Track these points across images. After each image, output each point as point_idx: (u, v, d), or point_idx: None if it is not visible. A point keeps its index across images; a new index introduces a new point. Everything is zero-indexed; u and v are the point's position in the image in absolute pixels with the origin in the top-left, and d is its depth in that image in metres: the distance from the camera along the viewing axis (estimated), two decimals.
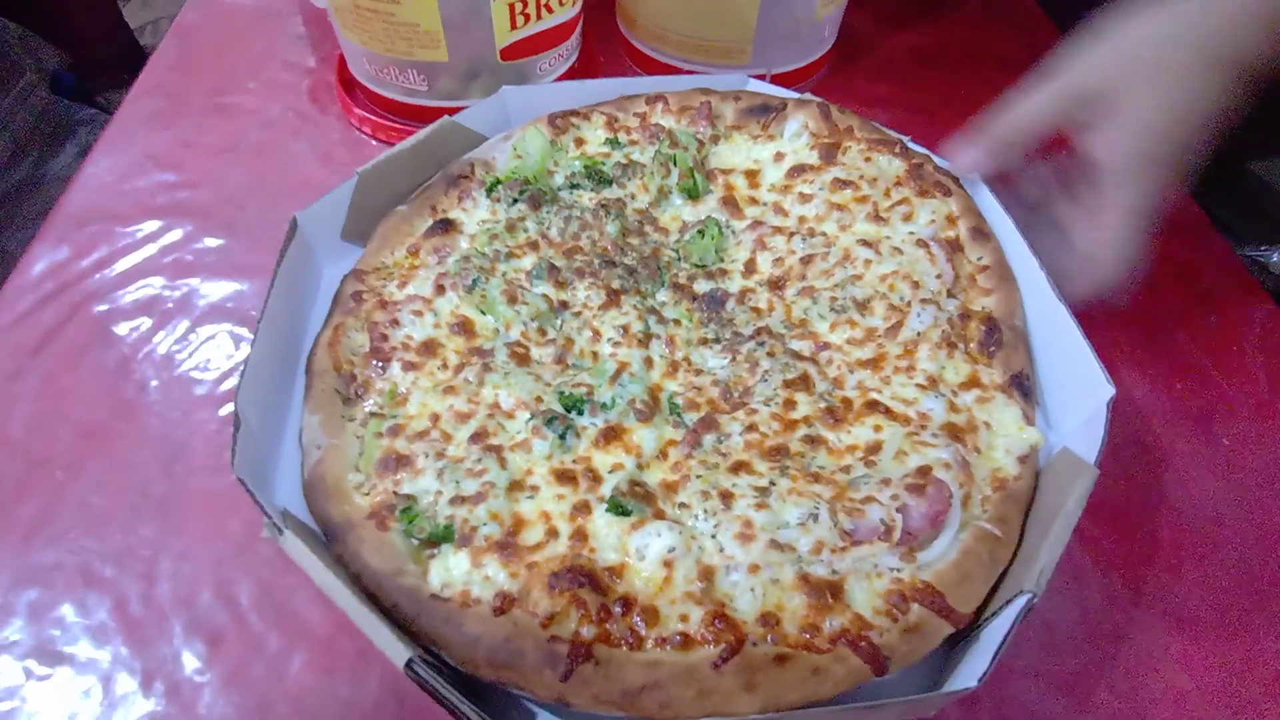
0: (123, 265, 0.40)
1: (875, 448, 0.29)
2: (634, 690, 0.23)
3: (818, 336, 0.33)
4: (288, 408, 0.30)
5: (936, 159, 0.38)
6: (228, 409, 0.34)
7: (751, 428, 0.29)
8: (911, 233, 0.35)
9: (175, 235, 0.42)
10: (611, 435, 0.29)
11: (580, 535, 0.26)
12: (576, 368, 0.31)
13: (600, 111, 0.40)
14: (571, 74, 0.49)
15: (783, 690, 0.23)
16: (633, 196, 0.38)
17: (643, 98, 0.40)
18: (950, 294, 0.33)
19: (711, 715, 0.23)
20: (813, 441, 0.29)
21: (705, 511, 0.26)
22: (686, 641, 0.24)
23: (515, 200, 0.36)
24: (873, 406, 0.30)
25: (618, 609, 0.24)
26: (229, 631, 0.28)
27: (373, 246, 0.35)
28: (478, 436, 0.28)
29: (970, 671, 0.23)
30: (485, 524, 0.26)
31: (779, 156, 0.39)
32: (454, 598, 0.25)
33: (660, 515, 0.26)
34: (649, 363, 0.32)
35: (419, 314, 0.32)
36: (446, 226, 0.35)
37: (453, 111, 0.46)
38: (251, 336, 0.37)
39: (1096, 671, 0.29)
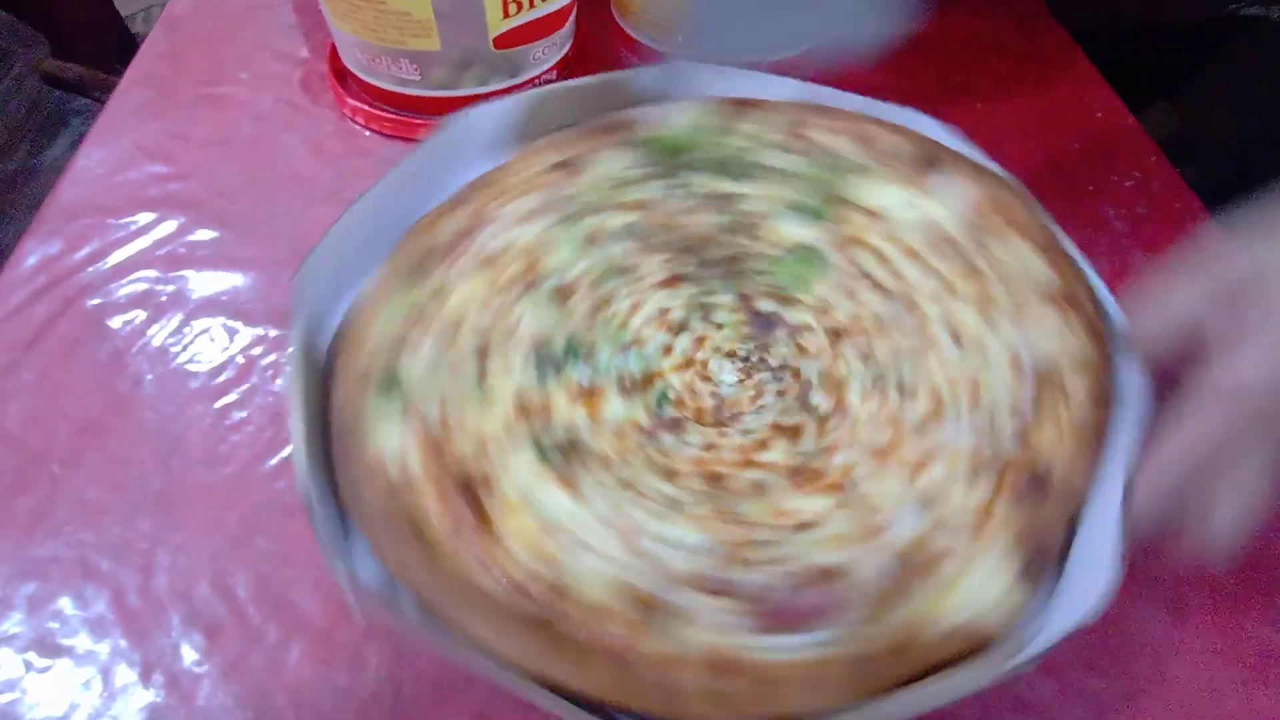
0: (115, 259, 0.40)
1: (809, 525, 0.26)
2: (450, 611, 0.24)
3: (843, 399, 0.30)
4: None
5: (1104, 298, 0.32)
6: (223, 402, 0.34)
7: (710, 446, 0.28)
8: (1013, 341, 0.29)
9: (168, 228, 0.41)
10: (587, 395, 0.29)
11: (503, 464, 0.27)
12: (601, 324, 0.31)
13: (776, 110, 0.37)
14: (565, 62, 0.48)
15: (581, 679, 0.23)
16: (749, 197, 0.35)
17: (810, 108, 0.38)
18: (1016, 419, 0.28)
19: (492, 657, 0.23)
20: (759, 488, 0.27)
21: (607, 489, 0.26)
22: (517, 590, 0.24)
23: (653, 163, 0.35)
24: (838, 488, 0.27)
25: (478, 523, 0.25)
26: (227, 623, 0.28)
27: (514, 160, 0.35)
28: (480, 352, 0.29)
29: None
30: (429, 411, 0.27)
31: (923, 215, 0.34)
32: (376, 459, 0.26)
33: (571, 484, 0.27)
34: (667, 350, 0.31)
35: (504, 229, 0.32)
36: (570, 167, 0.35)
37: (447, 101, 0.46)
38: (247, 330, 0.37)
39: (1083, 656, 0.29)
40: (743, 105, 0.38)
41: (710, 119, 0.37)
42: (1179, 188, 0.45)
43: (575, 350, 0.30)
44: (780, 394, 0.31)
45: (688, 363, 0.31)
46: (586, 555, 0.25)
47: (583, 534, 0.26)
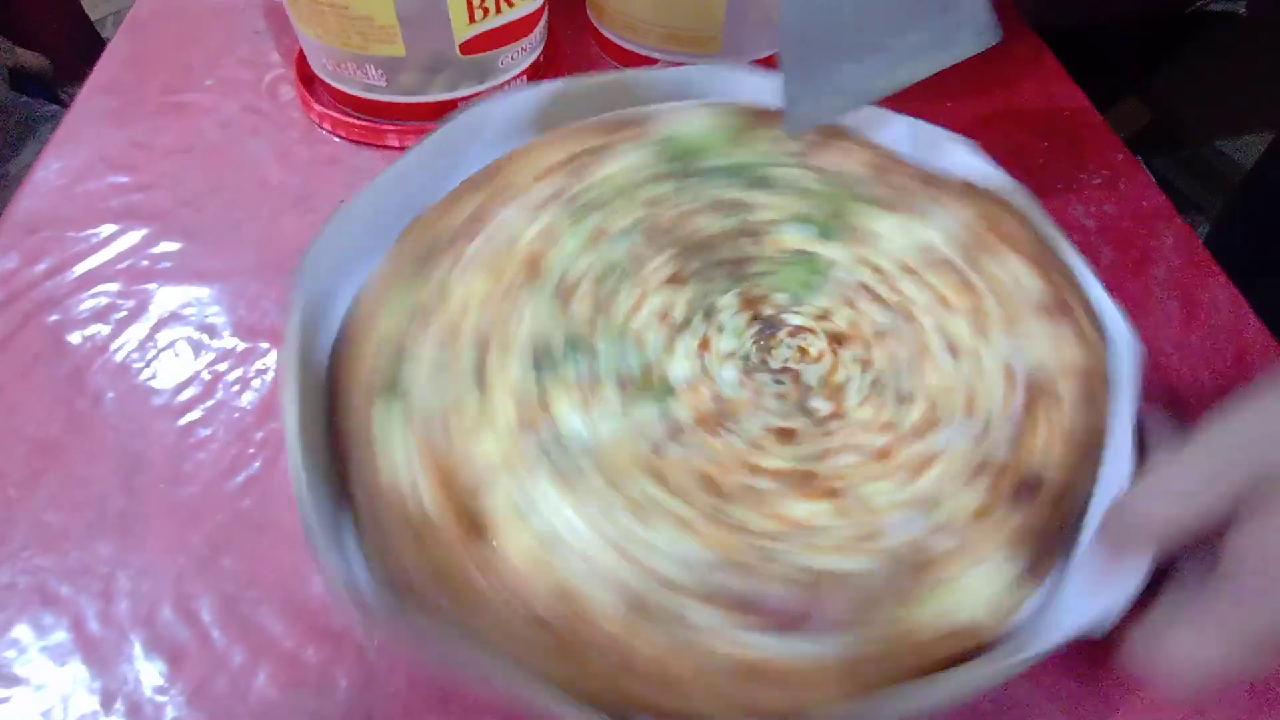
0: (76, 272, 0.39)
1: (804, 529, 0.26)
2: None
3: (840, 405, 0.30)
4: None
5: (1096, 296, 0.32)
6: (187, 419, 0.34)
7: (709, 450, 0.28)
8: (1006, 351, 0.30)
9: (131, 240, 0.40)
10: (587, 395, 0.28)
11: (508, 477, 0.26)
12: (602, 323, 0.31)
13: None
14: (536, 67, 0.48)
15: (584, 682, 0.24)
16: (758, 206, 0.35)
17: (830, 128, 0.38)
18: (1009, 424, 0.28)
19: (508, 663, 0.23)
20: (752, 493, 0.27)
21: (603, 504, 0.26)
22: (519, 600, 0.24)
23: (665, 163, 0.35)
24: (835, 494, 0.27)
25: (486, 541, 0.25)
26: (191, 648, 0.28)
27: (527, 148, 0.35)
28: (480, 347, 0.28)
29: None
30: (432, 427, 0.26)
31: (920, 239, 0.35)
32: (390, 486, 0.26)
33: (570, 490, 0.27)
34: (668, 348, 0.31)
35: (510, 223, 0.32)
36: (585, 161, 0.34)
37: (416, 107, 0.45)
38: (212, 344, 0.37)
39: (1060, 659, 0.29)
40: (763, 115, 0.37)
41: (728, 124, 0.37)
42: (1147, 185, 0.46)
43: (575, 350, 0.29)
44: (780, 396, 0.30)
45: (689, 362, 0.31)
46: (586, 562, 0.25)
47: (581, 543, 0.25)
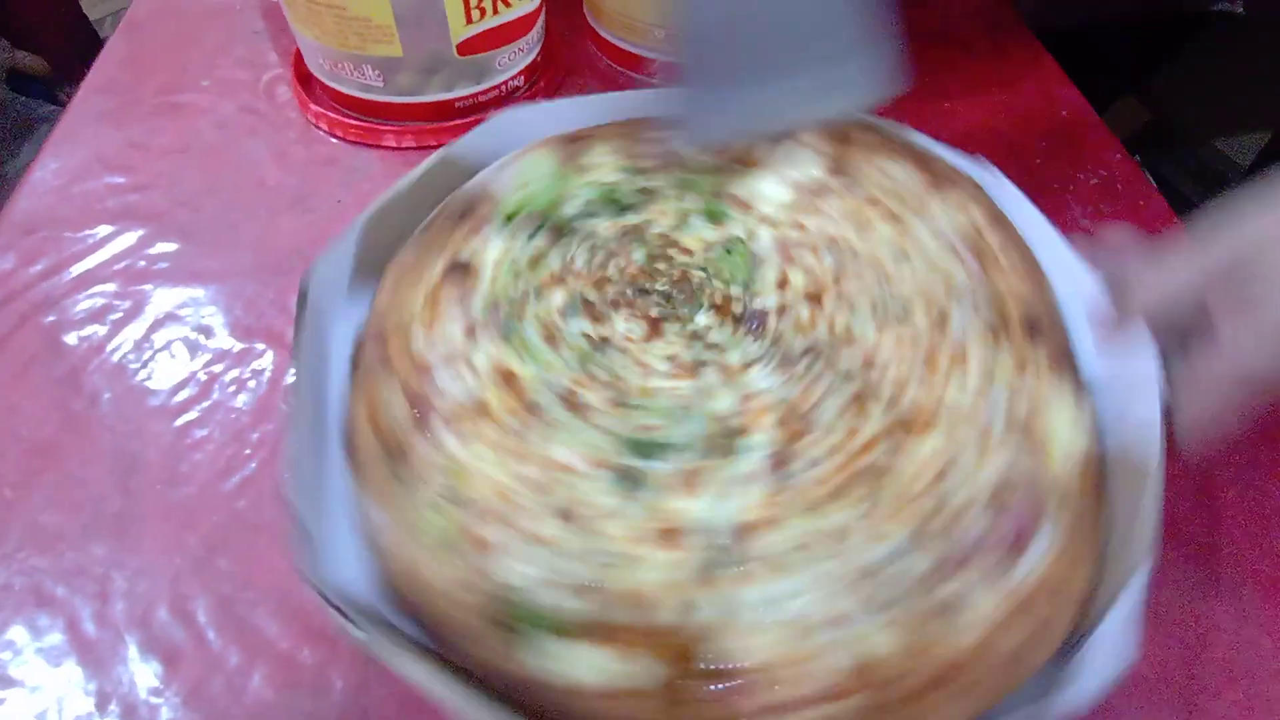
0: (72, 273, 0.39)
1: (951, 456, 0.28)
2: None
3: (867, 345, 0.31)
4: (322, 481, 0.28)
5: (944, 152, 0.37)
6: (183, 420, 0.34)
7: (832, 451, 0.28)
8: (934, 233, 0.34)
9: (127, 240, 0.40)
10: (692, 478, 0.27)
11: (716, 605, 0.25)
12: (635, 408, 0.29)
13: (607, 137, 0.37)
14: (533, 68, 0.48)
15: (950, 711, 0.24)
16: (651, 221, 0.36)
17: (651, 122, 0.38)
18: (983, 287, 0.33)
19: None
20: (891, 457, 0.28)
21: (822, 555, 0.26)
22: (844, 692, 0.24)
23: (534, 233, 0.33)
24: (936, 414, 0.29)
25: (765, 679, 0.24)
26: (186, 649, 0.28)
27: (384, 299, 0.32)
28: (562, 511, 0.26)
29: (1117, 650, 0.24)
30: (615, 609, 0.24)
31: (786, 180, 0.37)
32: (616, 691, 0.24)
33: (765, 560, 0.26)
34: (707, 393, 0.30)
35: (457, 373, 0.29)
36: (465, 268, 0.32)
37: (413, 107, 0.45)
38: (209, 344, 0.37)
39: None
40: (575, 141, 0.37)
41: (549, 167, 0.36)
42: (1144, 185, 0.46)
43: (651, 454, 0.28)
44: (821, 374, 0.31)
45: (728, 392, 0.30)
46: (854, 623, 0.25)
47: (823, 611, 0.25)
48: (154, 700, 0.27)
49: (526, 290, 0.32)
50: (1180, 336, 0.30)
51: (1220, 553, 0.32)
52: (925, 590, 0.26)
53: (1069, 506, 0.27)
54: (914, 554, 0.26)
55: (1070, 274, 0.33)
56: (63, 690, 0.27)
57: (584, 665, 0.24)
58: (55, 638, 0.28)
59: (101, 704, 0.26)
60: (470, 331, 0.30)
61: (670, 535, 0.26)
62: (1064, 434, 0.29)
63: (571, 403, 0.29)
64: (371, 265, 0.34)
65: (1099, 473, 0.29)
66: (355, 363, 0.31)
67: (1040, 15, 0.57)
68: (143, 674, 0.27)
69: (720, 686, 0.25)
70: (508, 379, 0.30)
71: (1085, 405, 0.30)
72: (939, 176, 0.36)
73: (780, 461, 0.28)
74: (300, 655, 0.28)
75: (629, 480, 0.27)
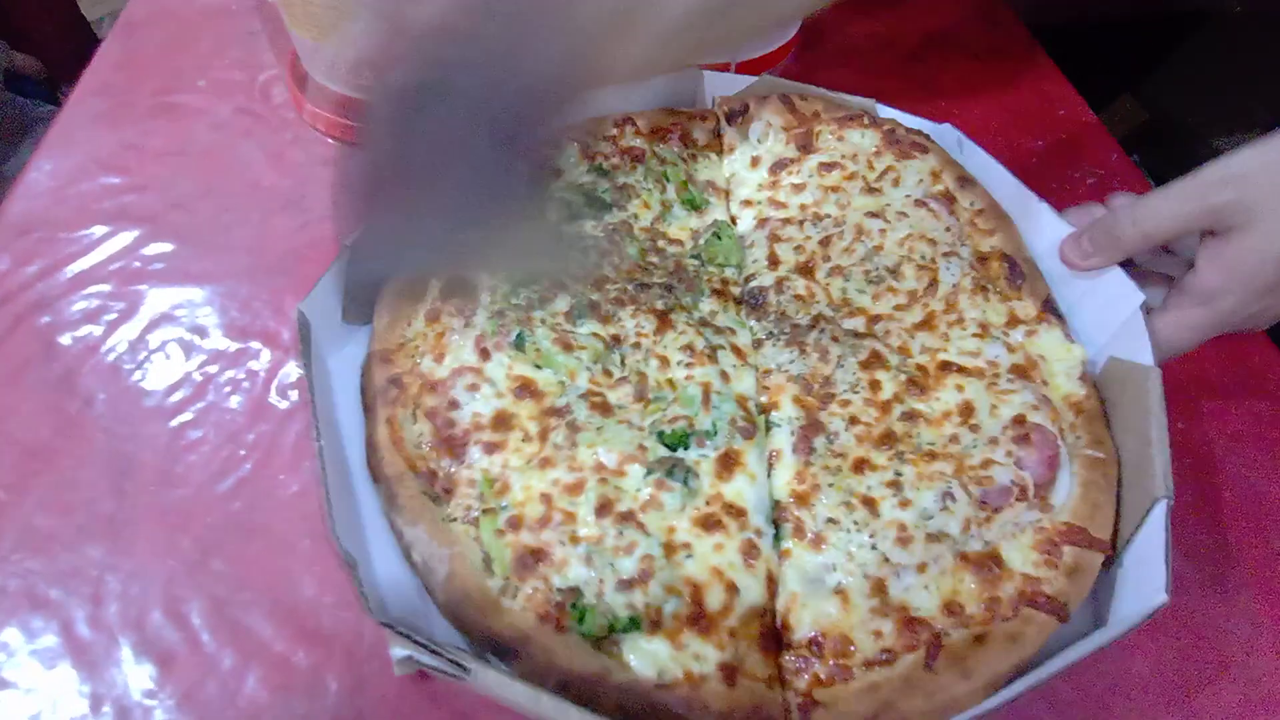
0: (67, 274, 0.39)
1: (968, 409, 0.30)
2: (870, 718, 0.24)
3: (866, 311, 0.34)
4: (358, 519, 0.28)
5: (903, 118, 0.39)
6: (178, 421, 0.34)
7: (853, 420, 0.30)
8: (907, 195, 0.36)
9: (122, 241, 0.40)
10: (728, 461, 0.28)
11: (769, 581, 0.27)
12: (660, 400, 0.30)
13: (569, 139, 0.38)
14: None
15: (994, 666, 0.24)
16: (636, 216, 0.37)
17: (609, 120, 0.39)
18: (961, 242, 0.35)
19: (947, 714, 0.23)
20: (911, 418, 0.30)
21: (856, 524, 0.27)
22: (891, 655, 0.25)
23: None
24: (946, 367, 0.31)
25: (814, 651, 0.25)
26: (180, 652, 0.27)
27: (383, 323, 0.32)
28: (603, 509, 0.27)
29: (1145, 589, 0.24)
30: (667, 602, 0.25)
31: (756, 161, 0.39)
32: (678, 682, 0.24)
33: (803, 534, 0.27)
34: (725, 376, 0.31)
35: (474, 387, 0.29)
36: (462, 284, 0.32)
37: None
38: (203, 345, 0.36)
39: None
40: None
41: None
42: (1141, 183, 0.46)
43: (680, 438, 0.29)
44: (835, 339, 0.32)
45: (747, 372, 0.32)
46: (901, 579, 0.27)
47: (871, 570, 0.27)
48: (148, 703, 0.26)
49: (529, 298, 0.33)
50: (1160, 270, 0.32)
51: (1220, 553, 0.32)
52: (960, 546, 0.27)
53: (1081, 442, 0.29)
54: (945, 513, 0.27)
55: (1043, 224, 0.34)
56: (57, 692, 0.27)
57: (646, 657, 0.25)
58: (49, 640, 0.28)
59: (95, 706, 0.26)
60: (482, 345, 0.31)
61: (712, 520, 0.27)
62: (1061, 373, 0.31)
63: (597, 404, 0.30)
64: (368, 294, 0.33)
65: (1101, 402, 0.31)
66: (364, 388, 0.31)
67: (1036, 14, 0.57)
68: (137, 676, 0.27)
69: (774, 663, 0.25)
70: (528, 388, 0.30)
71: (1076, 341, 0.32)
72: (903, 143, 0.38)
73: (807, 434, 0.30)
74: (295, 657, 0.28)
75: (666, 472, 0.28)
